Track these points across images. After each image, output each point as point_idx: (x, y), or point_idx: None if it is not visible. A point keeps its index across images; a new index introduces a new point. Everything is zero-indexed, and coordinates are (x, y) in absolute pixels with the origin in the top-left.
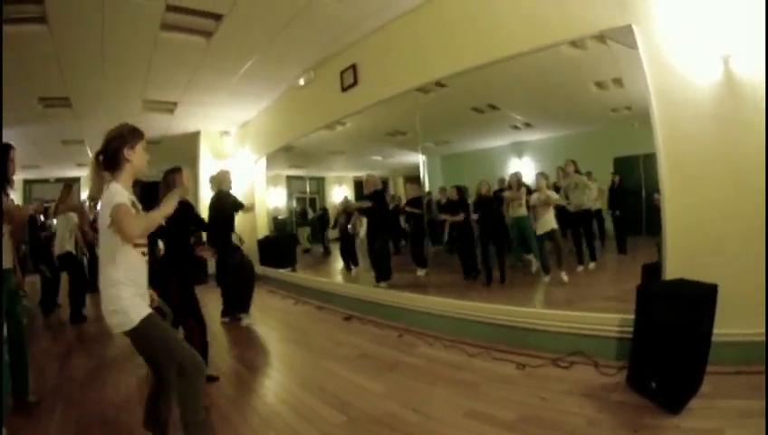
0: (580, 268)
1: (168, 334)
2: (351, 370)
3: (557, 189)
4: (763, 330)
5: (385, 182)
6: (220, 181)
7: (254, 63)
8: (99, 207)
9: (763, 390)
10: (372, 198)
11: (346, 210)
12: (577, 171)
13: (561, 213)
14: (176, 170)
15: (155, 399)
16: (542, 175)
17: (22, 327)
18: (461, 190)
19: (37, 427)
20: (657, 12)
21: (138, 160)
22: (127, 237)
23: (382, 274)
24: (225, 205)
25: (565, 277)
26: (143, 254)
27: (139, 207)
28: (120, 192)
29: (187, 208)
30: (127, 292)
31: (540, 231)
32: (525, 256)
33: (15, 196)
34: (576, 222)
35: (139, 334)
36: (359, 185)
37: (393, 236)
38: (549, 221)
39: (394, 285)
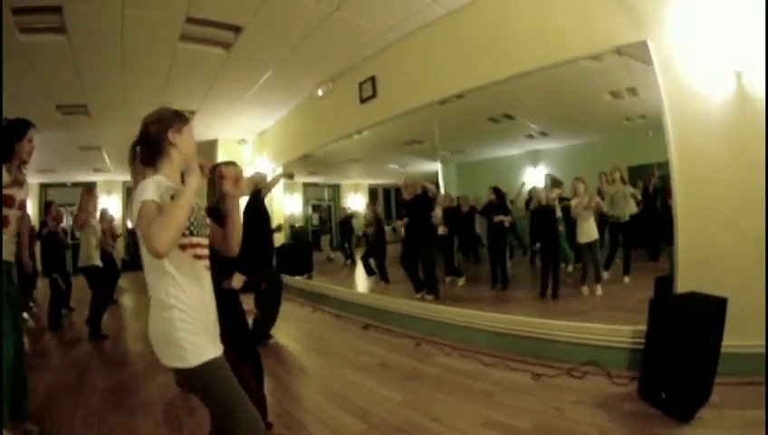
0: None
1: (229, 387)
2: (371, 379)
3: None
4: None
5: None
6: (257, 182)
7: (273, 74)
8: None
9: None
10: (414, 204)
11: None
12: (622, 179)
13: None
14: (229, 164)
15: None
16: (579, 179)
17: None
18: (500, 191)
19: None
20: (672, 28)
21: (187, 146)
22: (152, 252)
23: (431, 286)
24: (262, 212)
25: (591, 290)
26: (206, 267)
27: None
28: (149, 187)
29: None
30: (184, 321)
31: (582, 240)
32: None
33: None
34: (613, 232)
35: (195, 378)
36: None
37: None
38: (592, 229)
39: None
